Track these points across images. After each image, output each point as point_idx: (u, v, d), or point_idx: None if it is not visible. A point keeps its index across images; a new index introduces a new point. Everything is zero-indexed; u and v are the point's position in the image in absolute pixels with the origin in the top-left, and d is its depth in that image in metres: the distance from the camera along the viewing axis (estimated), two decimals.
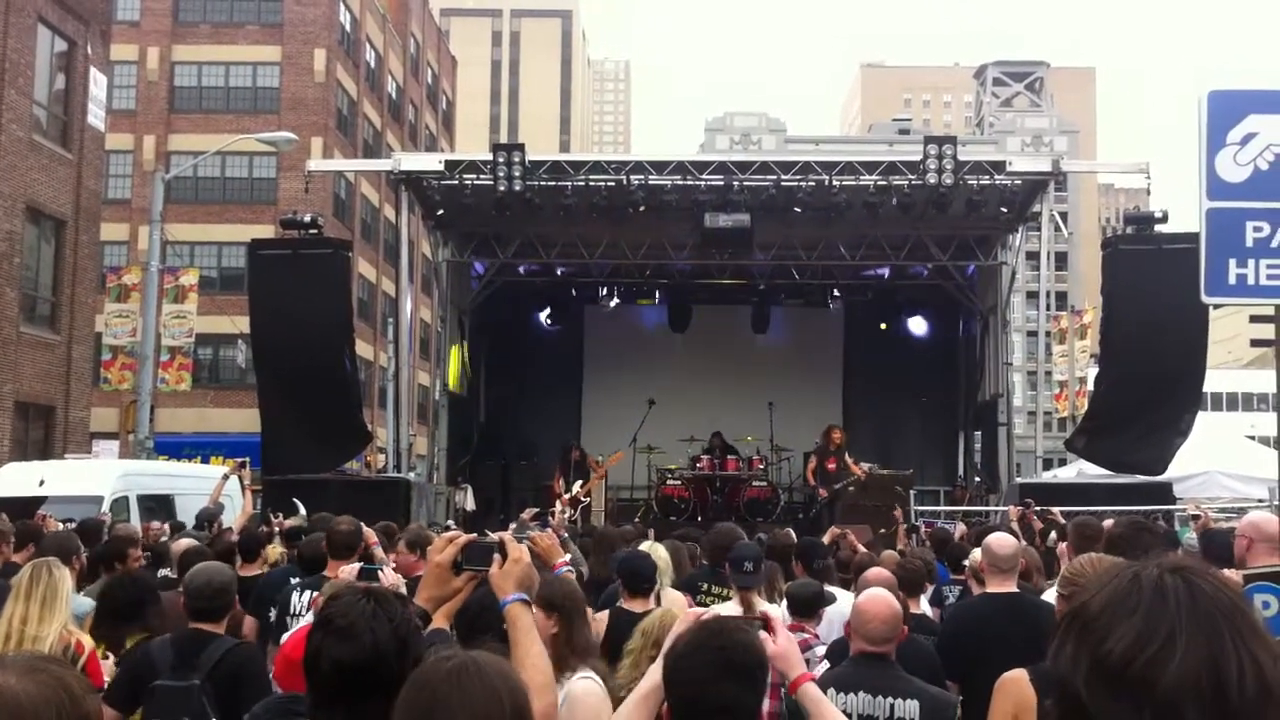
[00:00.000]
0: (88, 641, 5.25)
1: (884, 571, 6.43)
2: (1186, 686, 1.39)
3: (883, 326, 24.24)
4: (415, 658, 2.56)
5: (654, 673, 2.87)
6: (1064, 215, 79.50)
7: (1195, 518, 13.22)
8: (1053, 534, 10.69)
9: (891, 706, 4.24)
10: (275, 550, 9.02)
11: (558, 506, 15.02)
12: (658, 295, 24.27)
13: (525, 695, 2.24)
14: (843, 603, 6.38)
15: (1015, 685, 4.26)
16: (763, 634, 2.95)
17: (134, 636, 5.53)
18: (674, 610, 4.86)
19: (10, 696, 1.58)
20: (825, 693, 3.58)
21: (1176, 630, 1.43)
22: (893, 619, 4.55)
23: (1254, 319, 8.60)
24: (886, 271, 22.51)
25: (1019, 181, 19.26)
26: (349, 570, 5.88)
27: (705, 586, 7.35)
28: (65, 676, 1.70)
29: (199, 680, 4.80)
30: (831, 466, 20.74)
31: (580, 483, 20.28)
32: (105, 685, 5.06)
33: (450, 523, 17.47)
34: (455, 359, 22.41)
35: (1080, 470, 20.22)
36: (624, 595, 6.32)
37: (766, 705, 3.78)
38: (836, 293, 23.69)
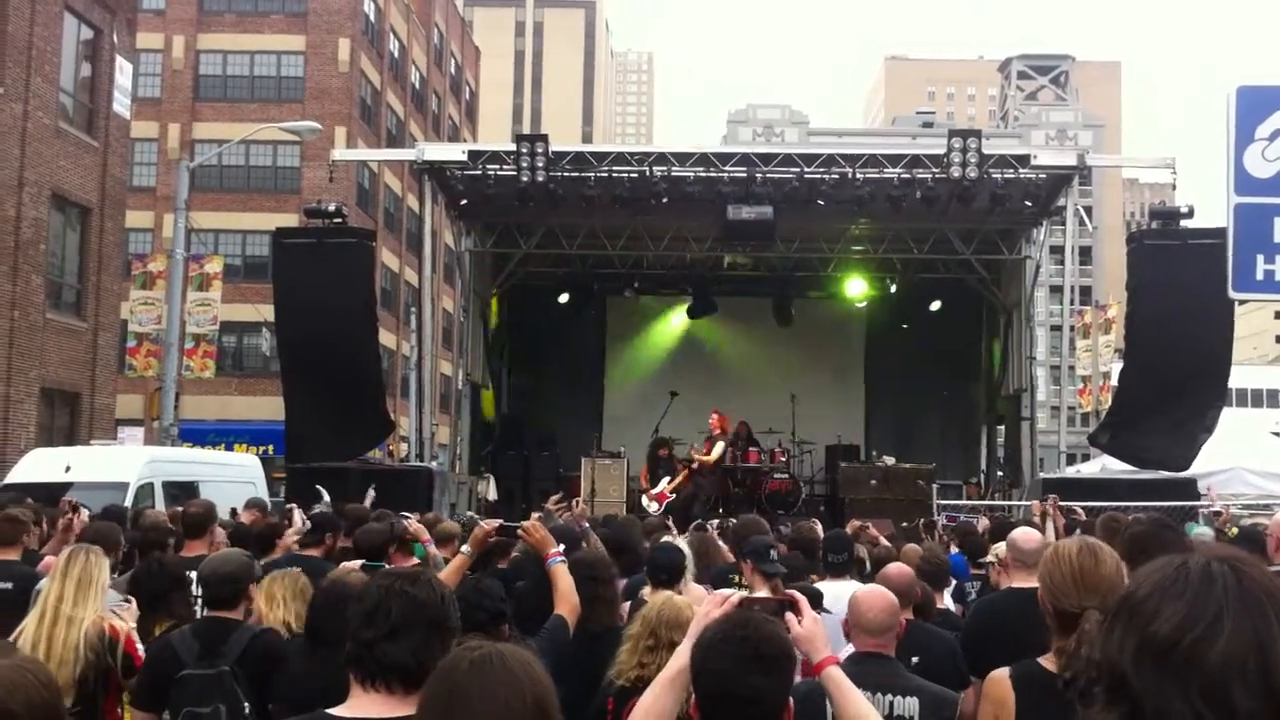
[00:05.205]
0: (121, 625, 5.27)
1: (904, 566, 6.32)
2: (1233, 666, 1.42)
3: (905, 320, 24.17)
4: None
5: (680, 656, 2.87)
6: (1088, 209, 78.74)
7: (1217, 514, 13.17)
8: (1078, 531, 10.59)
9: (891, 704, 4.17)
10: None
11: (581, 496, 15.06)
12: (680, 287, 24.24)
13: (548, 688, 2.21)
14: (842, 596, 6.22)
15: (995, 685, 4.23)
16: (789, 615, 2.96)
17: (162, 624, 5.56)
18: (675, 599, 4.78)
19: None
20: None
21: (1224, 612, 1.46)
22: (890, 610, 4.48)
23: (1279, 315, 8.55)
24: (909, 265, 22.45)
25: (1043, 175, 19.15)
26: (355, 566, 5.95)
27: (736, 580, 7.32)
28: (35, 668, 1.73)
29: (228, 667, 4.82)
30: None
31: (668, 479, 20.41)
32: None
33: (471, 513, 17.48)
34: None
35: (1104, 466, 20.10)
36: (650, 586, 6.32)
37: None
38: (859, 285, 23.62)
